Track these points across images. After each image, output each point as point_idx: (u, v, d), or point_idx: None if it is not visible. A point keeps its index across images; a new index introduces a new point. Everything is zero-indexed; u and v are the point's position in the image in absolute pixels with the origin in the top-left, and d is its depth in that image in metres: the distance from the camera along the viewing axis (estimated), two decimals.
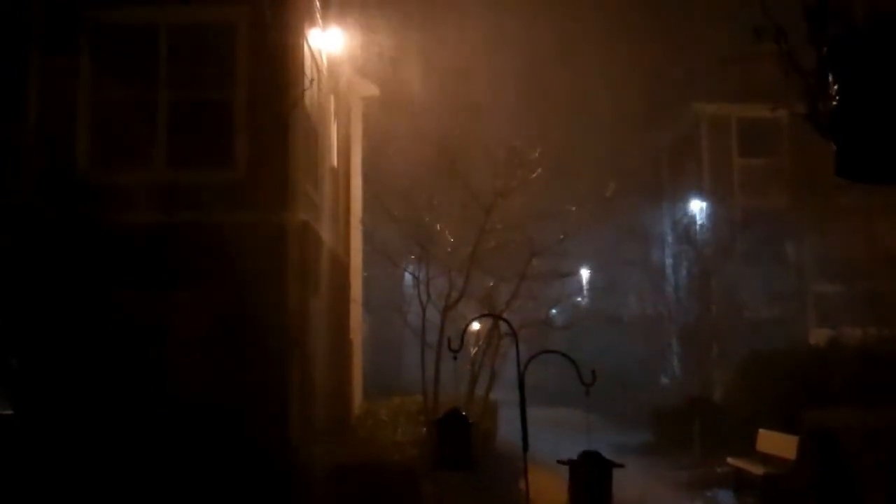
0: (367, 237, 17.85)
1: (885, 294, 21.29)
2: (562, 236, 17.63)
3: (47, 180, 12.03)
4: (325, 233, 14.49)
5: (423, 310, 15.88)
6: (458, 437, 6.23)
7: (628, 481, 6.85)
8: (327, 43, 14.86)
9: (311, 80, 13.33)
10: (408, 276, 17.67)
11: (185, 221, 11.80)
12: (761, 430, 16.05)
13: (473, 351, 16.67)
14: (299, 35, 12.54)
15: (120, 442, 11.43)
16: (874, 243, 21.76)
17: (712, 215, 26.37)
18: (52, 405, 11.66)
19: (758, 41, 5.13)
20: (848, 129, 4.21)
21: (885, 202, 20.67)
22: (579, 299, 34.58)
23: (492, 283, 17.13)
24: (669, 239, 28.69)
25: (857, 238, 22.24)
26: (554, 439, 14.91)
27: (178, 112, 12.14)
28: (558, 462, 5.99)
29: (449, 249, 16.61)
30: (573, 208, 18.37)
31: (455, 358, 7.54)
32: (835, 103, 4.25)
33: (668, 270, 28.32)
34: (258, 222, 11.85)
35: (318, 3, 14.31)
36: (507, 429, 18.98)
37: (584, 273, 35.79)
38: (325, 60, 14.81)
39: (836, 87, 4.24)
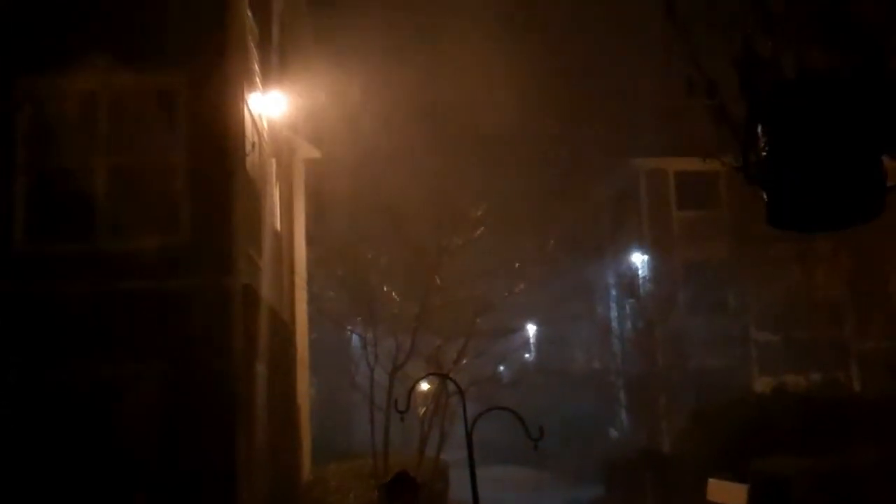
0: (313, 300, 17.76)
1: (824, 341, 21.67)
2: (507, 293, 17.74)
3: None
4: (269, 296, 14.39)
5: (371, 371, 15.80)
6: (406, 501, 6.15)
7: None
8: (268, 107, 14.91)
9: (253, 145, 13.33)
10: (355, 338, 17.58)
11: (126, 289, 11.63)
12: (711, 480, 16.11)
13: (422, 411, 16.59)
14: (239, 100, 12.56)
15: None
16: (812, 291, 22.18)
17: (654, 268, 26.71)
18: None
19: (689, 94, 5.27)
20: (777, 180, 4.34)
21: (820, 251, 21.14)
22: (526, 355, 34.65)
23: (439, 343, 17.12)
24: (613, 292, 28.98)
25: (796, 287, 22.63)
26: (506, 499, 14.82)
27: (118, 179, 12.03)
28: None
29: (396, 310, 16.60)
30: (517, 265, 18.52)
31: (402, 419, 7.49)
32: (764, 154, 4.39)
33: (614, 323, 28.55)
34: (201, 288, 11.73)
35: (257, 68, 14.38)
36: (458, 489, 18.83)
37: (531, 328, 35.92)
38: (265, 124, 14.85)
39: (764, 138, 4.38)
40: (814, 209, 4.41)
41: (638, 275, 27.10)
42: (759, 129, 4.48)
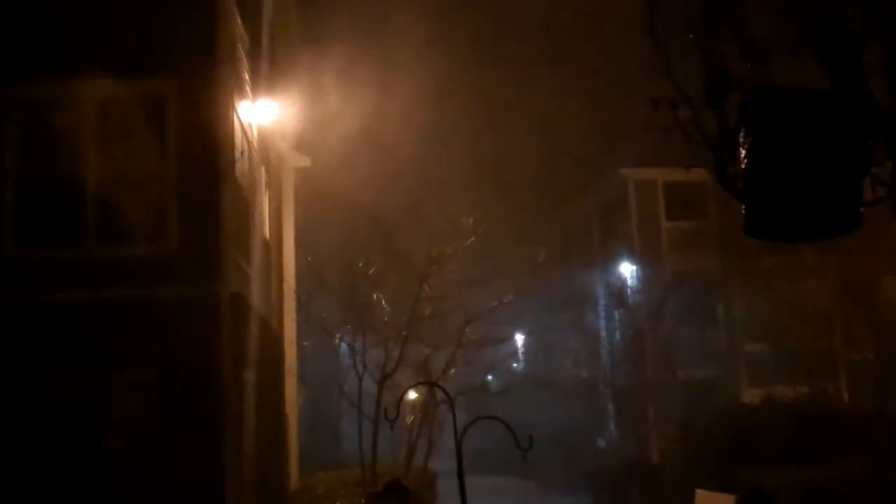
0: (302, 308, 17.71)
1: (813, 352, 21.71)
2: (496, 303, 17.73)
3: None
4: (258, 305, 14.35)
5: (360, 380, 15.75)
6: None
7: None
8: (258, 115, 14.89)
9: (242, 153, 13.30)
10: (344, 347, 17.55)
11: (114, 296, 11.57)
12: (698, 491, 16.10)
13: (410, 420, 16.55)
14: (229, 108, 12.53)
15: None
16: (801, 302, 22.22)
17: (643, 278, 26.72)
18: None
19: (655, 110, 5.31)
20: (754, 191, 4.37)
21: (809, 262, 21.19)
22: (515, 364, 34.62)
23: (428, 352, 17.08)
24: (603, 302, 29.00)
25: (784, 297, 22.67)
26: None
27: (107, 186, 11.97)
28: None
29: (385, 319, 16.57)
30: (507, 274, 18.53)
31: (392, 428, 7.46)
32: (742, 166, 4.42)
33: (603, 333, 28.59)
34: (190, 296, 11.67)
35: (247, 76, 14.36)
36: (446, 499, 18.78)
37: (520, 338, 35.90)
38: (255, 132, 14.82)
39: (743, 151, 4.41)
40: (791, 220, 4.44)
41: (627, 285, 27.13)
42: (741, 139, 4.51)
